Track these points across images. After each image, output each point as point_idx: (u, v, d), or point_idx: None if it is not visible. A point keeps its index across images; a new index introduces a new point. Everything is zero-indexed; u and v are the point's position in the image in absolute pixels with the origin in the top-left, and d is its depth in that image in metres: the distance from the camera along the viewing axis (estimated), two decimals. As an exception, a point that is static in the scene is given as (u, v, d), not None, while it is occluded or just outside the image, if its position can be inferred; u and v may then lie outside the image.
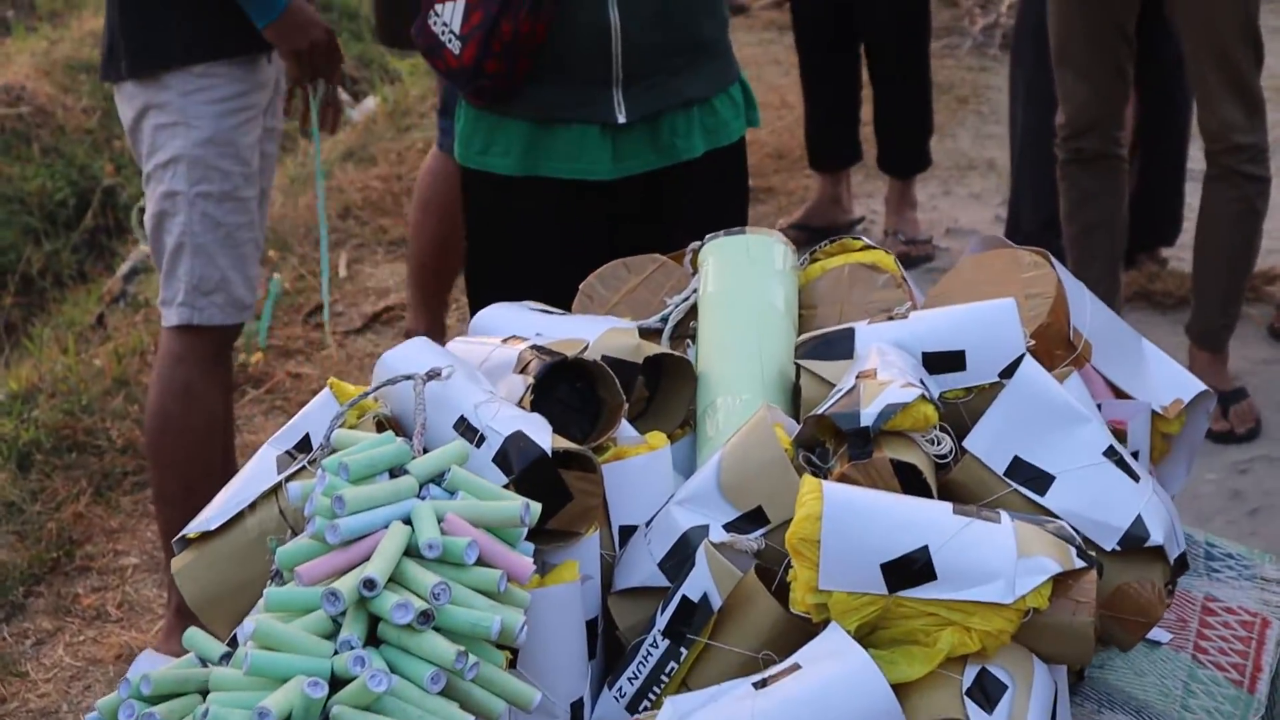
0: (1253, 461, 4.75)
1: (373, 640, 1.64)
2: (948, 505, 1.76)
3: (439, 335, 4.08)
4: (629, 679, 1.85)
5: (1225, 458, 4.73)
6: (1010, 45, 5.95)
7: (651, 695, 1.83)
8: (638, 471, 1.94)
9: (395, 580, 1.65)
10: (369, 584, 1.62)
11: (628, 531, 1.94)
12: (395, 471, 1.75)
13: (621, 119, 3.27)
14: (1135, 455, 2.16)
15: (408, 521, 1.70)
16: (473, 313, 3.48)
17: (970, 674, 1.70)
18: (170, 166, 3.59)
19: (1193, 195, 5.36)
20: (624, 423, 1.97)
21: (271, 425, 5.03)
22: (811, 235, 6.42)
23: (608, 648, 1.95)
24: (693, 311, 2.22)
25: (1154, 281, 5.80)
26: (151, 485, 3.89)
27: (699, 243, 2.29)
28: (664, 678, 1.83)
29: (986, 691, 1.70)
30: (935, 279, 5.93)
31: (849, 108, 6.33)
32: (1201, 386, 2.30)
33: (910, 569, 1.70)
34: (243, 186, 3.65)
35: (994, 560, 1.71)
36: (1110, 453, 1.91)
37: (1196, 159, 4.79)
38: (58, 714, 3.57)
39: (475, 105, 3.31)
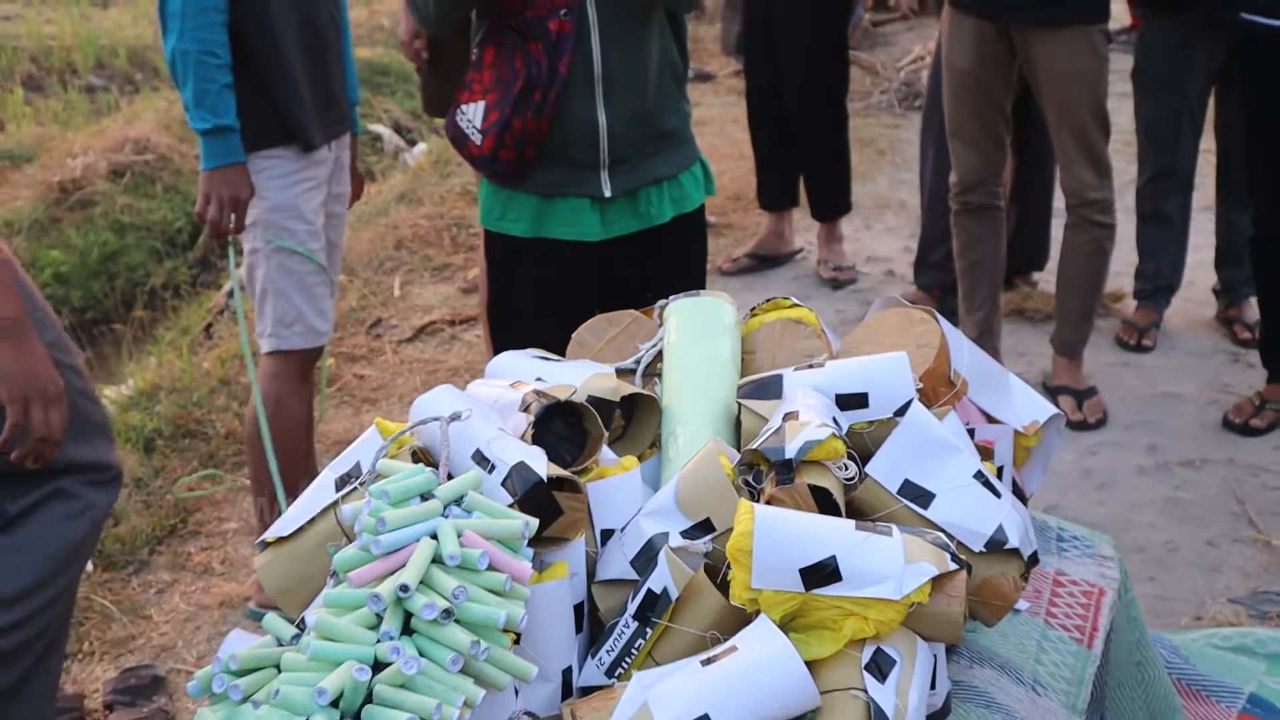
0: (1101, 445, 4.75)
1: (406, 631, 1.65)
2: (851, 522, 1.76)
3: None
4: (607, 651, 1.86)
5: (1079, 443, 4.74)
6: (923, 115, 5.92)
7: (624, 664, 1.84)
8: (615, 488, 1.95)
9: (424, 584, 1.66)
10: (404, 588, 1.63)
11: (607, 534, 1.95)
12: (425, 496, 1.76)
13: (608, 194, 3.29)
14: (1000, 470, 2.17)
15: (434, 536, 1.71)
16: (492, 344, 3.50)
17: (868, 652, 1.72)
18: (252, 228, 3.58)
19: (1057, 230, 5.37)
20: (604, 448, 1.98)
21: (340, 417, 5.02)
22: (761, 261, 6.44)
23: (593, 626, 1.96)
24: (659, 356, 2.23)
25: (1027, 300, 5.81)
26: (249, 469, 3.89)
27: (665, 301, 2.30)
28: (634, 651, 1.84)
29: (880, 666, 1.71)
30: (859, 297, 5.97)
31: (787, 163, 6.30)
32: (1054, 410, 2.32)
33: (822, 573, 1.71)
34: (309, 241, 3.64)
35: (886, 565, 1.72)
36: (978, 476, 1.92)
37: (1061, 200, 4.81)
38: (175, 649, 3.58)
39: (492, 182, 3.32)
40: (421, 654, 1.62)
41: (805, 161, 6.23)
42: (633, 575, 1.90)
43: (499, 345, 3.15)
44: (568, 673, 1.86)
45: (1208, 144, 5.50)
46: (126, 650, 3.55)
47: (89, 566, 3.94)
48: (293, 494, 3.26)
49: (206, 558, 4.07)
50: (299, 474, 3.61)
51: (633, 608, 1.86)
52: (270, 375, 3.68)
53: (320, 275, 3.69)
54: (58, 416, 2.50)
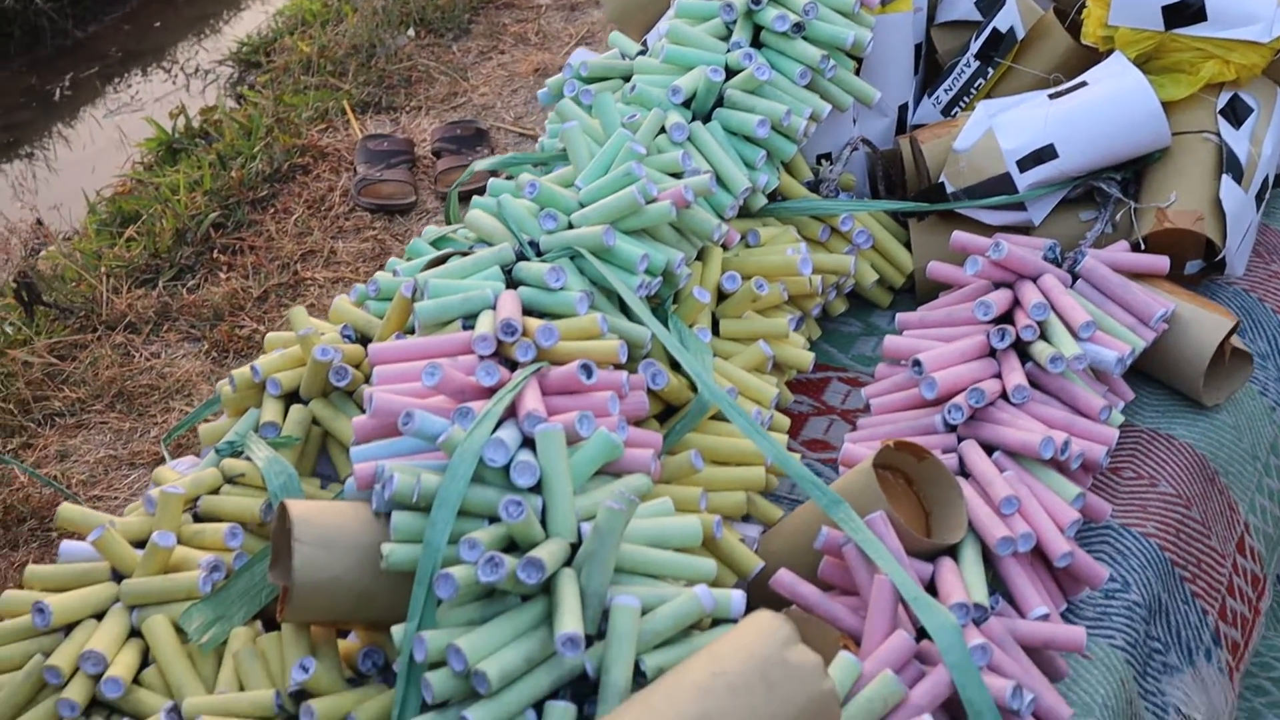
0: None
1: (756, 44, 1.67)
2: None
3: None
4: (944, 90, 1.86)
5: None
6: None
7: (962, 103, 1.84)
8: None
9: (775, -1, 1.66)
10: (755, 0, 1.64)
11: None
12: None
13: None
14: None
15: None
16: None
17: (1224, 97, 1.66)
18: None
19: None
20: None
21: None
22: None
23: (928, 69, 1.94)
24: None
25: None
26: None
27: None
28: (972, 90, 1.83)
29: (1236, 112, 1.66)
30: None
31: None
32: None
33: (1186, 11, 1.63)
34: None
35: (1258, 6, 1.63)
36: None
37: None
38: (494, 109, 3.71)
39: None
40: (772, 66, 1.64)
41: None
42: (977, 16, 1.86)
43: None
44: (903, 109, 1.87)
45: None
46: (449, 107, 3.71)
47: (410, 31, 4.08)
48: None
49: (521, 29, 4.15)
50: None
51: (975, 47, 1.83)
52: None
53: None
54: None
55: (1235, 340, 1.56)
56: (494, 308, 1.31)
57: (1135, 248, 1.60)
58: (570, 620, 1.01)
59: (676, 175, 1.50)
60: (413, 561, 1.08)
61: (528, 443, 1.15)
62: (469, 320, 1.32)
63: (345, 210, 3.11)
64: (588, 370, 1.22)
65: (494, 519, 1.10)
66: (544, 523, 1.10)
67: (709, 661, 1.00)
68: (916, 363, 1.39)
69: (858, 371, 1.66)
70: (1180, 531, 1.45)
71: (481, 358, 1.25)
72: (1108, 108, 1.61)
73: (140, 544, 1.24)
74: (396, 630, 1.07)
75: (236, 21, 5.27)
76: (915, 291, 1.73)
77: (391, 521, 1.10)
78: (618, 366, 1.30)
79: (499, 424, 1.15)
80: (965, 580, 1.20)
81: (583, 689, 1.05)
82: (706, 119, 1.60)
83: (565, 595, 1.04)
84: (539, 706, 1.03)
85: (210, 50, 5.08)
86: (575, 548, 1.09)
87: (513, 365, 1.26)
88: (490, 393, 1.20)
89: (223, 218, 3.21)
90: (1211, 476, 1.53)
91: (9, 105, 4.94)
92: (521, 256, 1.40)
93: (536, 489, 1.11)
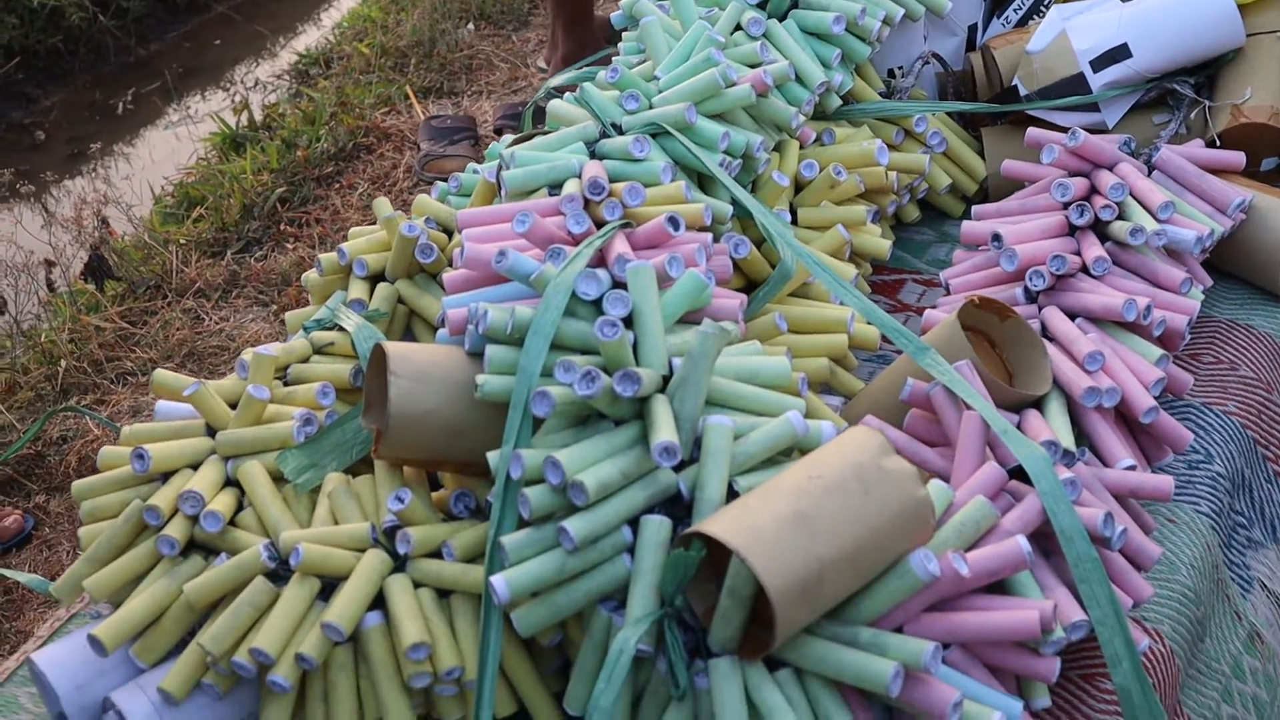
0: None
1: (829, -49, 1.68)
2: None
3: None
4: (1014, 10, 1.86)
5: None
6: None
7: (1033, 19, 1.85)
8: None
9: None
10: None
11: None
12: None
13: None
14: None
15: None
16: None
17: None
18: None
19: None
20: None
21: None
22: None
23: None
24: None
25: None
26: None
27: None
28: (1042, 9, 1.84)
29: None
30: None
31: None
32: None
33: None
34: None
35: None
36: None
37: None
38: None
39: None
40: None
41: None
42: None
43: None
44: (973, 29, 1.88)
45: None
46: (510, 90, 3.76)
47: (470, 25, 4.14)
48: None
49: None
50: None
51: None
52: None
53: None
54: None
55: (1313, 232, 1.55)
56: (579, 176, 1.33)
57: (1210, 145, 1.60)
58: (666, 431, 1.03)
59: (754, 67, 1.52)
60: (507, 391, 1.10)
61: (618, 286, 1.16)
62: (554, 190, 1.34)
63: (409, 185, 3.15)
64: (674, 223, 1.24)
65: (587, 352, 1.12)
66: (635, 357, 1.11)
67: (805, 467, 1.01)
68: (996, 236, 1.40)
69: (932, 274, 1.67)
70: (1262, 413, 1.45)
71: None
72: (1181, 7, 1.61)
73: (234, 405, 1.27)
74: (492, 455, 1.08)
75: (296, 39, 5.35)
76: (989, 201, 1.74)
77: (486, 353, 1.12)
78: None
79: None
80: (1053, 428, 1.20)
81: (676, 511, 1.06)
82: (782, 19, 1.63)
83: (659, 414, 1.05)
84: (634, 525, 1.05)
85: (270, 65, 5.17)
86: (667, 381, 1.10)
87: (600, 225, 1.28)
88: (579, 242, 1.22)
89: (289, 193, 3.26)
90: (1292, 365, 1.52)
91: (74, 119, 5.03)
92: (605, 137, 1.43)
93: (628, 324, 1.13)
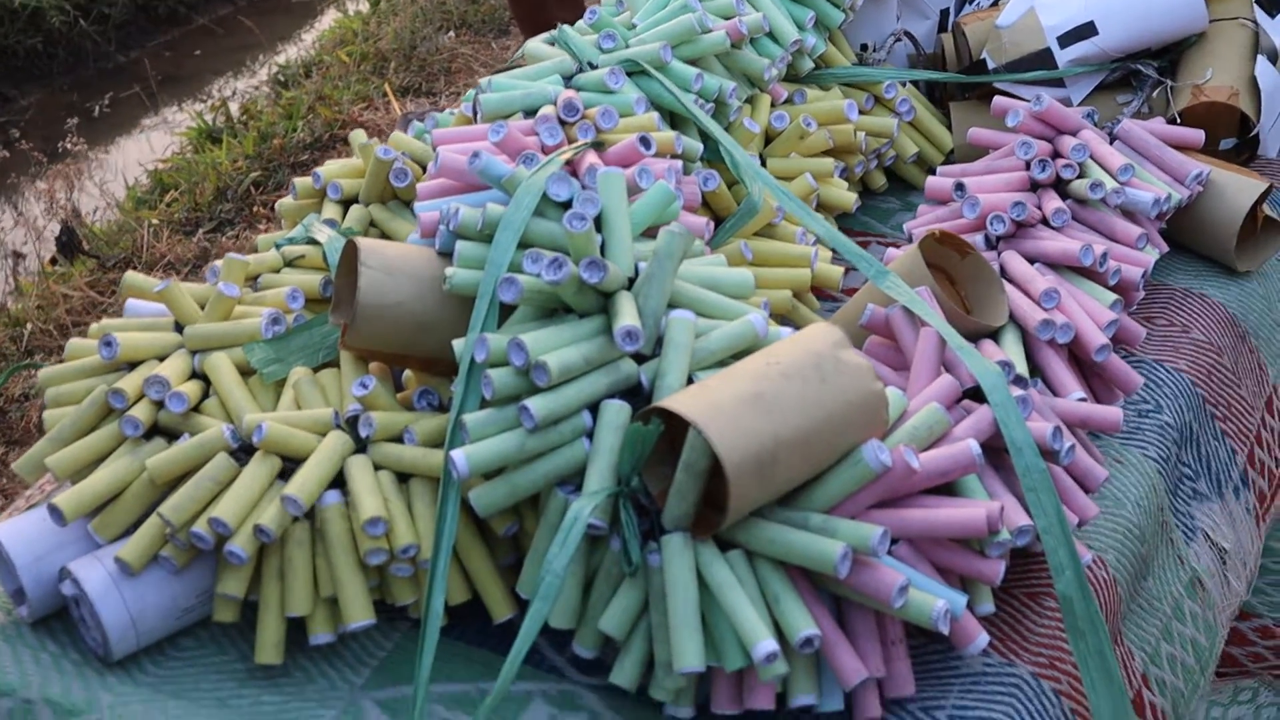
0: None
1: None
2: None
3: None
4: (986, -3, 1.92)
5: None
6: None
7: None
8: None
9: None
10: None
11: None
12: None
13: None
14: None
15: None
16: None
17: (1260, -13, 1.72)
18: None
19: None
20: None
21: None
22: None
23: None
24: None
25: None
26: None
27: None
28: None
29: (1273, 0, 1.71)
30: None
31: None
32: None
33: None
34: None
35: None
36: None
37: None
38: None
39: None
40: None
41: None
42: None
43: None
44: (945, 14, 1.93)
45: None
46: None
47: (451, 33, 4.18)
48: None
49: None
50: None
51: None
52: None
53: None
54: None
55: (1266, 209, 1.60)
56: (554, 102, 1.36)
57: (1171, 124, 1.65)
58: (629, 317, 1.05)
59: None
60: (475, 284, 1.12)
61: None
62: (530, 116, 1.37)
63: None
64: (646, 142, 1.27)
65: (555, 250, 1.14)
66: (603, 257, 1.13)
67: (764, 355, 1.03)
68: (959, 185, 1.43)
69: (897, 237, 1.70)
70: (1212, 374, 1.48)
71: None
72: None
73: (204, 308, 1.28)
74: (458, 341, 1.10)
75: (277, 53, 5.39)
76: (954, 173, 1.77)
77: (455, 249, 1.14)
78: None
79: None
80: (1007, 356, 1.23)
81: (637, 403, 1.08)
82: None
83: (623, 305, 1.07)
84: (594, 412, 1.07)
85: (249, 79, 5.19)
86: (632, 284, 1.13)
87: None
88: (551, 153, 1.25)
89: (263, 178, 3.28)
90: (1242, 335, 1.56)
91: (50, 119, 5.05)
92: (580, 73, 1.46)
93: (597, 227, 1.15)
